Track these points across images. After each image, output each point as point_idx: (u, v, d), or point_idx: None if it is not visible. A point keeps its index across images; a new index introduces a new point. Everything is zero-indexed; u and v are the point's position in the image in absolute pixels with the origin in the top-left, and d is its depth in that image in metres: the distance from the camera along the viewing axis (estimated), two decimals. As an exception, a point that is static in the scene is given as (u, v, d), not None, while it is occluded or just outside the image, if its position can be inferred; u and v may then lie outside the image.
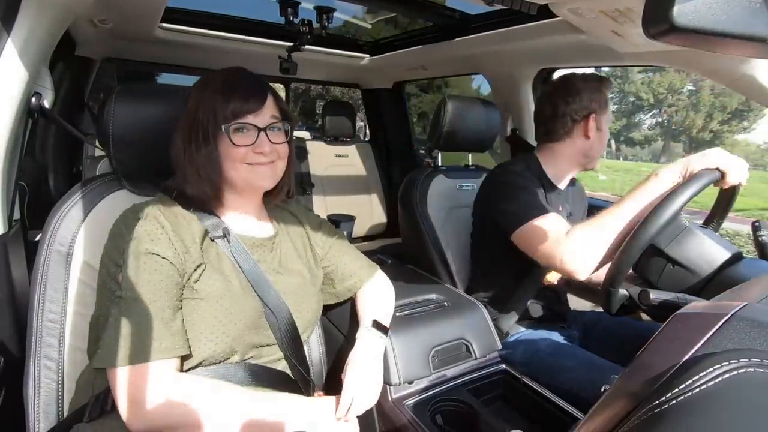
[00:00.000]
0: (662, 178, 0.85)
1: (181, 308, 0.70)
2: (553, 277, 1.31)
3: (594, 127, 1.17)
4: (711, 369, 0.33)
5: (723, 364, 0.33)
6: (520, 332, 1.22)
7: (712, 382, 0.33)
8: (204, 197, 0.76)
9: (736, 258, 0.84)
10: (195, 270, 0.71)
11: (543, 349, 1.13)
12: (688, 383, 0.33)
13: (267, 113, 0.76)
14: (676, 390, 0.34)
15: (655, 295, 0.79)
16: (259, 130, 0.75)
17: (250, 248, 0.79)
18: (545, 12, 1.03)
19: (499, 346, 1.08)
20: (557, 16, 1.04)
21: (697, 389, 0.33)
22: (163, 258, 0.68)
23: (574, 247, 0.92)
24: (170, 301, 0.67)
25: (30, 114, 0.91)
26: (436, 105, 1.47)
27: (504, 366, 1.06)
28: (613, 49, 1.15)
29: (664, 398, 0.34)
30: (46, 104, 0.95)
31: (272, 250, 0.85)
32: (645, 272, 0.89)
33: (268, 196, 0.87)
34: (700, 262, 0.85)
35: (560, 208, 1.23)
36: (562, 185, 1.26)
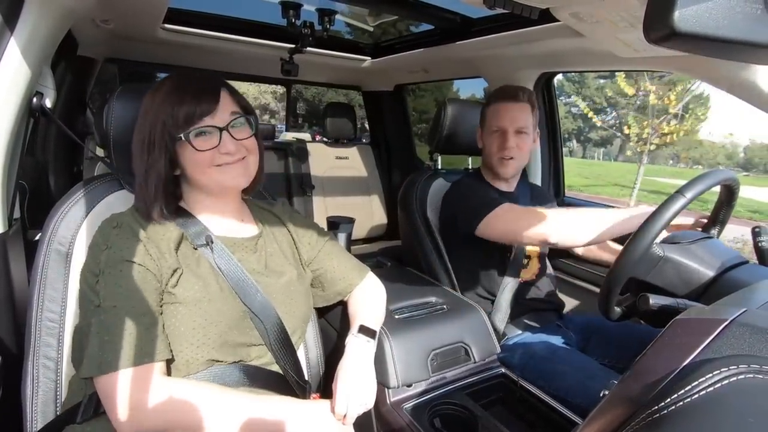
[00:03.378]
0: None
1: (161, 313, 0.69)
2: (529, 273, 1.32)
3: (480, 140, 1.38)
4: (710, 375, 0.33)
5: (722, 369, 0.33)
6: (518, 336, 1.22)
7: (712, 388, 0.33)
8: (159, 206, 0.74)
9: (727, 268, 0.84)
10: (172, 275, 0.71)
11: (539, 353, 1.13)
12: (687, 389, 0.33)
13: (225, 111, 0.74)
14: (676, 395, 0.34)
15: (654, 300, 0.79)
16: (221, 129, 0.73)
17: (232, 249, 0.79)
18: (546, 16, 1.04)
19: (498, 349, 1.08)
20: (558, 21, 1.04)
21: (697, 395, 0.33)
22: (140, 265, 0.68)
23: (564, 219, 1.07)
24: (149, 307, 0.67)
25: (31, 113, 0.91)
26: (437, 108, 1.47)
27: (503, 370, 1.05)
28: (614, 54, 1.16)
29: (663, 404, 0.34)
30: (48, 104, 0.96)
31: (256, 251, 0.84)
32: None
33: (246, 193, 0.87)
34: (681, 284, 0.85)
35: None
36: (508, 188, 1.38)
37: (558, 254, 1.60)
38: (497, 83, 1.83)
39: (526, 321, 1.27)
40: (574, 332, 1.29)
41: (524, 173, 1.48)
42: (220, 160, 0.74)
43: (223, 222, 0.82)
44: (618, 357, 1.17)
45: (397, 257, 1.56)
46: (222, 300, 0.74)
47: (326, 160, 2.59)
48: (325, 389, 0.97)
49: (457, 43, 1.67)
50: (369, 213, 2.68)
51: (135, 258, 0.68)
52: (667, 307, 0.79)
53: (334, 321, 1.09)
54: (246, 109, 0.79)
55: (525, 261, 1.33)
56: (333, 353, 1.04)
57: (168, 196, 0.75)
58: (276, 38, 1.92)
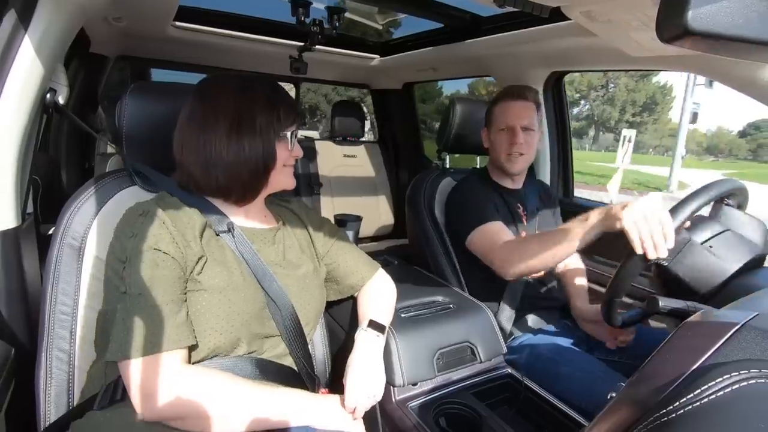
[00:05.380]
0: (583, 223, 0.98)
1: (185, 300, 0.71)
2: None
3: (487, 139, 1.39)
4: (720, 379, 0.33)
5: (732, 374, 0.33)
6: (525, 336, 1.21)
7: (721, 393, 0.32)
8: (231, 187, 0.78)
9: (752, 266, 0.83)
10: (197, 263, 0.73)
11: (545, 354, 1.13)
12: (696, 393, 0.33)
13: (296, 123, 0.83)
14: (684, 399, 0.33)
15: (664, 303, 0.78)
16: (294, 136, 0.82)
17: (251, 240, 0.81)
18: (557, 15, 1.03)
19: (505, 350, 1.07)
20: (569, 19, 1.03)
21: (706, 399, 0.33)
22: (165, 253, 0.69)
23: (504, 256, 1.13)
24: (174, 294, 0.69)
25: (45, 109, 0.93)
26: (445, 107, 1.47)
27: (509, 370, 1.05)
28: (626, 53, 1.14)
29: (671, 407, 0.33)
30: (61, 100, 0.97)
31: (274, 243, 0.86)
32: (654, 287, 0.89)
33: (270, 195, 0.90)
34: (705, 276, 0.84)
35: (518, 206, 1.36)
36: (515, 185, 1.39)
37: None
38: (506, 82, 1.82)
39: (533, 320, 1.26)
40: (582, 332, 1.28)
41: (532, 171, 1.48)
42: (289, 161, 0.83)
43: (247, 215, 0.85)
44: (626, 359, 1.16)
45: (404, 256, 1.56)
46: (246, 289, 0.76)
47: (334, 158, 2.60)
48: (332, 385, 0.97)
49: (467, 41, 1.66)
50: (376, 211, 2.68)
51: (160, 246, 0.69)
52: (676, 310, 0.78)
53: (340, 318, 1.09)
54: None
55: None
56: (339, 350, 1.04)
57: (252, 174, 0.79)
58: (285, 36, 1.93)
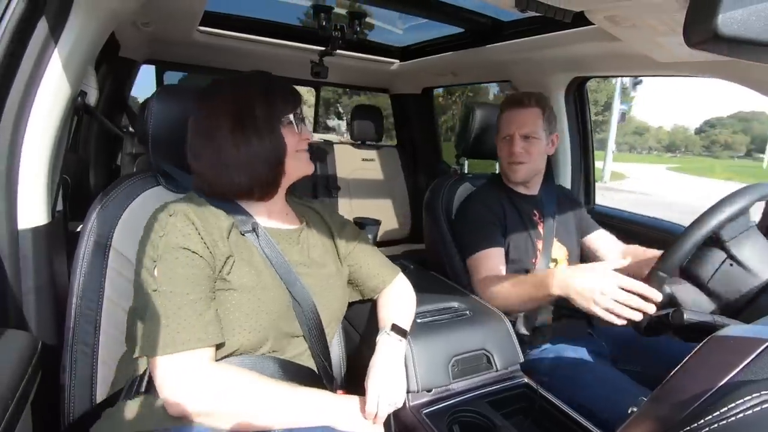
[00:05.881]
0: (545, 282, 1.01)
1: (213, 299, 0.72)
2: None
3: (497, 145, 1.39)
4: (749, 397, 0.32)
5: (762, 392, 0.32)
6: (544, 345, 1.19)
7: (750, 411, 0.31)
8: (252, 186, 0.79)
9: None
10: (225, 263, 0.74)
11: (564, 363, 1.11)
12: (722, 411, 0.32)
13: (299, 106, 0.84)
14: (710, 417, 0.32)
15: (689, 316, 0.75)
16: (301, 120, 0.83)
17: (276, 240, 0.82)
18: (580, 19, 1.01)
19: (522, 358, 1.05)
20: (593, 24, 1.01)
21: (733, 418, 0.31)
22: (194, 252, 0.71)
23: (484, 289, 1.18)
24: (203, 292, 0.70)
25: (75, 111, 0.96)
26: (464, 112, 1.46)
27: (526, 380, 1.03)
28: (651, 59, 1.12)
29: (695, 425, 0.32)
30: (91, 102, 1.00)
31: (298, 243, 0.87)
32: (698, 267, 0.85)
33: (290, 192, 0.92)
34: (761, 264, 0.80)
35: (533, 213, 1.34)
36: (529, 191, 1.38)
37: (590, 260, 1.55)
38: (525, 88, 1.81)
39: (552, 329, 1.23)
40: (606, 342, 1.25)
41: (551, 176, 1.45)
42: (300, 146, 0.83)
43: (270, 215, 0.86)
44: (650, 372, 1.13)
45: (420, 261, 1.55)
46: (274, 288, 0.77)
47: (352, 161, 2.61)
48: (347, 388, 0.97)
49: (487, 46, 1.65)
50: (393, 215, 2.68)
51: (189, 245, 0.71)
52: (702, 323, 0.75)
53: (355, 321, 1.09)
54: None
55: (552, 265, 1.31)
56: (354, 352, 1.04)
57: (268, 168, 0.80)
58: (307, 41, 1.95)
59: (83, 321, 0.82)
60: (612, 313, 0.89)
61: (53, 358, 0.82)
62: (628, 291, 0.87)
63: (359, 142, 2.63)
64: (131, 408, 0.70)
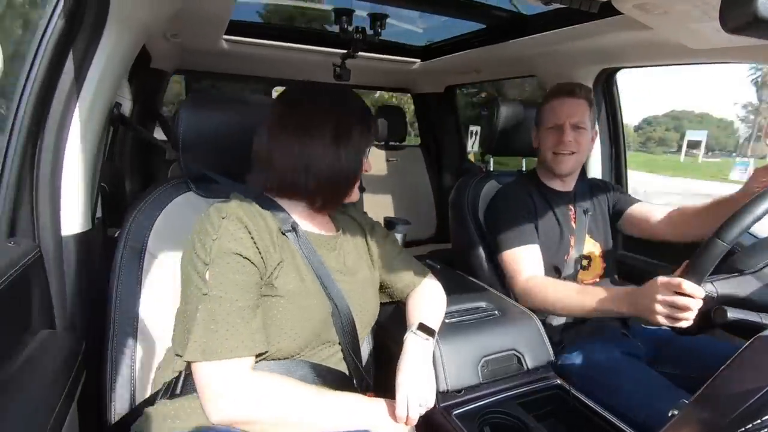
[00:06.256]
0: (620, 298, 0.97)
1: (259, 306, 0.73)
2: (590, 276, 1.25)
3: (536, 138, 1.35)
4: None
5: (816, 395, 0.30)
6: (576, 345, 1.16)
7: (803, 415, 0.29)
8: (319, 191, 0.81)
9: None
10: (275, 268, 0.74)
11: (599, 364, 1.07)
12: (772, 414, 0.30)
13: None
14: (758, 422, 0.30)
15: (733, 314, 0.72)
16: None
17: (315, 246, 0.82)
18: (607, 9, 0.98)
19: (553, 359, 1.03)
20: (621, 13, 0.98)
21: (784, 421, 0.30)
22: (245, 258, 0.71)
23: (524, 288, 1.16)
24: (251, 300, 0.71)
25: (112, 122, 1.00)
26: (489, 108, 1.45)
27: (558, 381, 1.01)
28: (685, 46, 1.07)
29: (743, 429, 0.31)
30: (125, 113, 1.05)
31: (335, 249, 0.88)
32: (745, 260, 0.81)
33: None
34: None
35: (568, 209, 1.31)
36: (565, 187, 1.34)
37: (628, 248, 1.50)
38: (552, 81, 1.76)
39: (585, 329, 1.20)
40: (642, 342, 1.20)
41: (584, 173, 1.41)
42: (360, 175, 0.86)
43: (311, 220, 0.87)
44: (690, 374, 1.08)
45: (446, 261, 1.54)
46: (316, 296, 0.78)
47: (376, 161, 2.62)
48: (377, 391, 0.98)
49: (510, 41, 1.62)
50: (418, 215, 2.67)
51: (242, 251, 0.71)
52: (747, 322, 0.71)
53: (385, 323, 1.09)
54: None
55: (585, 262, 1.27)
56: (385, 355, 1.05)
57: (347, 178, 0.83)
58: (329, 44, 1.97)
59: (122, 323, 0.86)
60: (674, 317, 0.84)
61: (97, 359, 0.86)
62: (678, 293, 0.82)
63: (382, 143, 2.64)
64: (169, 408, 0.72)
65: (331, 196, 0.83)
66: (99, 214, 1.06)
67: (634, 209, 1.35)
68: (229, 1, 1.27)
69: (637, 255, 1.53)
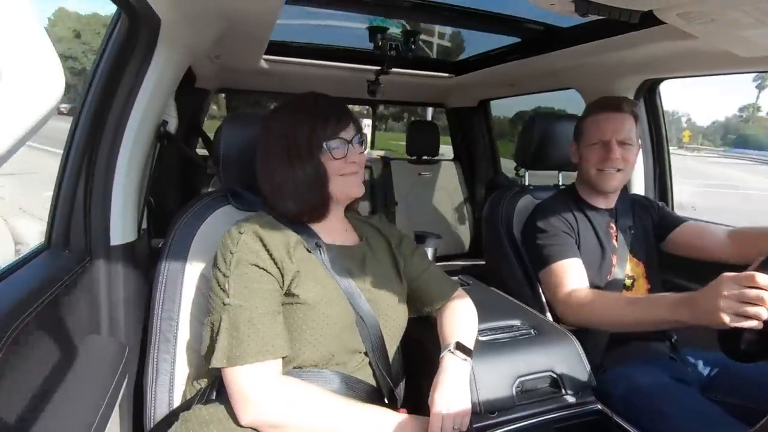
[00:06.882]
0: (676, 303, 0.89)
1: (280, 313, 0.76)
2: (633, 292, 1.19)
3: (575, 154, 1.30)
4: None
5: None
6: (619, 368, 1.09)
7: None
8: (302, 210, 0.83)
9: None
10: (293, 278, 0.77)
11: (644, 389, 1.00)
12: None
13: (351, 128, 0.84)
14: None
15: None
16: (348, 142, 0.83)
17: (339, 257, 0.84)
18: (649, 18, 0.95)
19: (594, 382, 0.98)
20: (663, 22, 0.95)
21: None
22: (262, 268, 0.75)
23: (568, 302, 1.11)
24: (271, 306, 0.74)
25: (159, 138, 1.06)
26: (524, 122, 1.42)
27: (599, 406, 0.95)
28: (735, 55, 1.02)
29: (812, 467, 0.28)
30: (171, 130, 1.11)
31: (359, 260, 0.88)
32: None
33: (349, 210, 0.93)
34: None
35: (610, 227, 1.26)
36: (605, 204, 1.29)
37: (673, 271, 1.41)
38: (592, 94, 1.72)
39: (629, 350, 1.13)
40: (692, 368, 1.12)
41: (624, 187, 1.36)
42: (345, 169, 0.83)
43: (331, 231, 0.88)
44: (749, 403, 0.99)
45: (479, 277, 1.51)
46: (338, 303, 0.79)
47: (409, 176, 2.63)
48: (407, 406, 0.96)
49: (545, 54, 1.60)
50: (452, 230, 2.65)
51: (258, 262, 0.75)
52: None
53: (415, 337, 1.08)
54: (360, 130, 0.89)
55: (629, 282, 1.21)
56: (415, 370, 1.03)
57: (315, 195, 0.83)
58: (363, 61, 2.02)
59: (164, 330, 0.90)
60: (743, 314, 0.74)
61: (139, 364, 0.90)
62: (751, 286, 0.73)
63: (415, 158, 2.65)
64: (204, 413, 0.74)
65: (310, 209, 0.83)
66: (144, 225, 1.11)
67: (685, 228, 1.28)
68: (269, 23, 1.33)
69: (678, 278, 1.44)
